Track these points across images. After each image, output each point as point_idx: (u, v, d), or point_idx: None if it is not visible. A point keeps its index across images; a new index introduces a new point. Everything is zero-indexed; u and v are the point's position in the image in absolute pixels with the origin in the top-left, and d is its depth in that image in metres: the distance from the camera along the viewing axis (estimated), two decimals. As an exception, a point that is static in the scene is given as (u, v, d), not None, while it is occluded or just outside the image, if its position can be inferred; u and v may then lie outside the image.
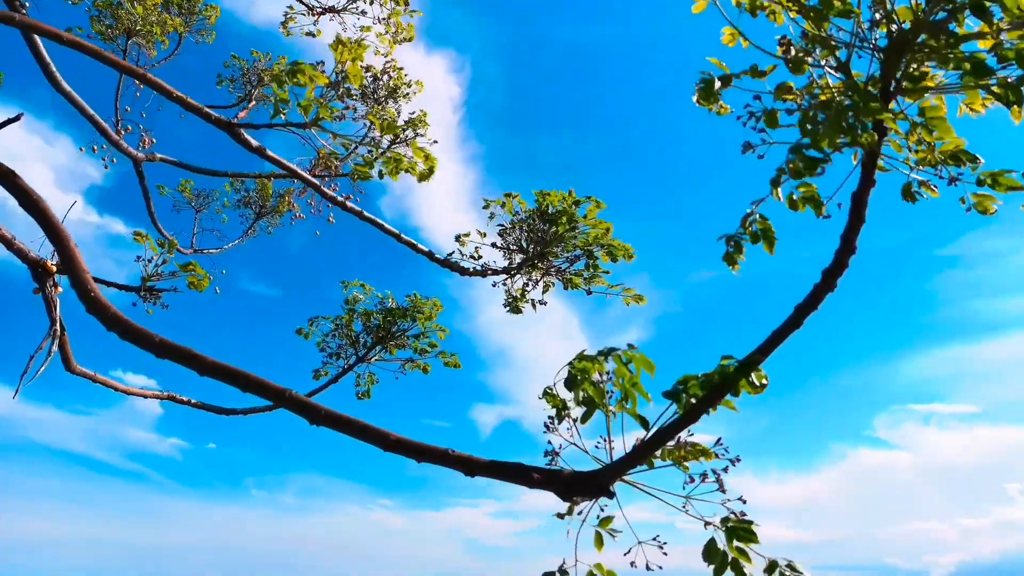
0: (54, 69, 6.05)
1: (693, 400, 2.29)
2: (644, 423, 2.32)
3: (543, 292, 4.76)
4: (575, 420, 2.60)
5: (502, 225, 4.63)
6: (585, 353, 2.43)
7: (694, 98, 2.60)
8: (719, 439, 2.44)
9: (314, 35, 5.87)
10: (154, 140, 7.86)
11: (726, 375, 2.23)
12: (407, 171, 3.39)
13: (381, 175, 3.43)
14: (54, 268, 4.04)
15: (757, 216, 2.68)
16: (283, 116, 3.23)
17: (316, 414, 2.09)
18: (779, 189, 2.61)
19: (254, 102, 4.28)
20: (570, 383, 2.50)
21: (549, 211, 4.35)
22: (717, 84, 2.63)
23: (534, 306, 4.80)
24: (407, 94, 4.80)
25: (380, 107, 4.05)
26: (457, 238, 4.62)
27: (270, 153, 3.63)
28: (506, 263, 4.73)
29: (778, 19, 2.74)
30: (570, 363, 2.49)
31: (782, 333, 2.26)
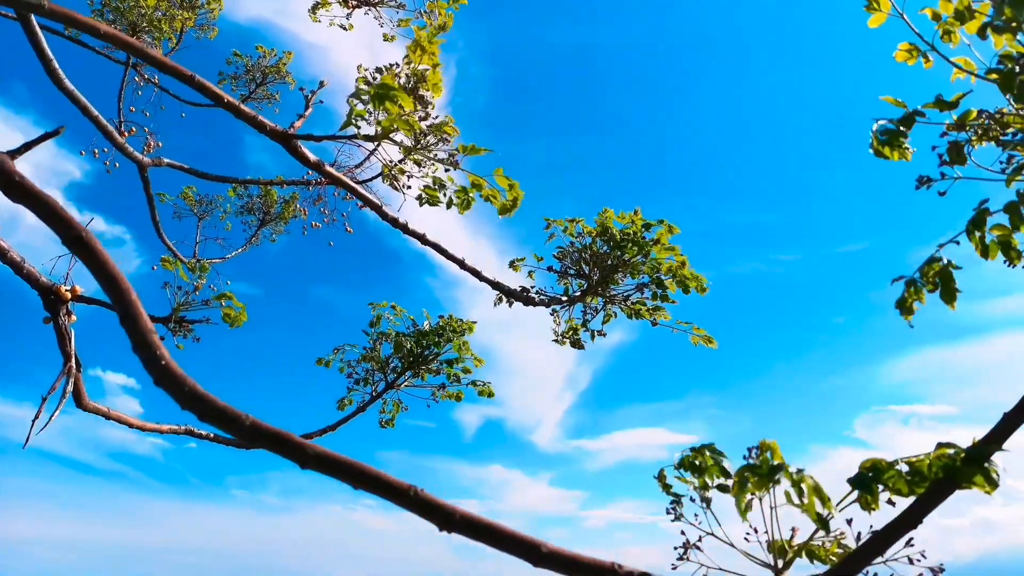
0: (56, 65, 5.55)
1: (887, 494, 1.90)
2: (824, 525, 1.89)
3: (603, 323, 4.35)
4: (705, 505, 2.20)
5: (561, 248, 4.21)
6: (709, 449, 2.05)
7: (871, 149, 2.20)
8: (911, 539, 2.03)
9: (345, 28, 5.43)
10: (160, 144, 7.35)
11: (952, 469, 1.81)
12: (488, 199, 2.95)
13: (450, 204, 2.99)
14: (69, 295, 3.56)
15: (945, 260, 2.28)
16: (356, 127, 2.79)
17: (450, 517, 1.65)
18: (977, 232, 2.21)
19: (311, 109, 3.83)
20: (692, 468, 2.12)
21: (614, 235, 3.94)
22: (901, 129, 2.21)
23: (592, 337, 4.39)
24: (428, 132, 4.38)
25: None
26: (511, 264, 4.19)
27: (328, 168, 3.18)
28: (561, 289, 4.31)
29: (953, 39, 2.35)
30: (693, 450, 2.13)
31: (1017, 416, 1.86)
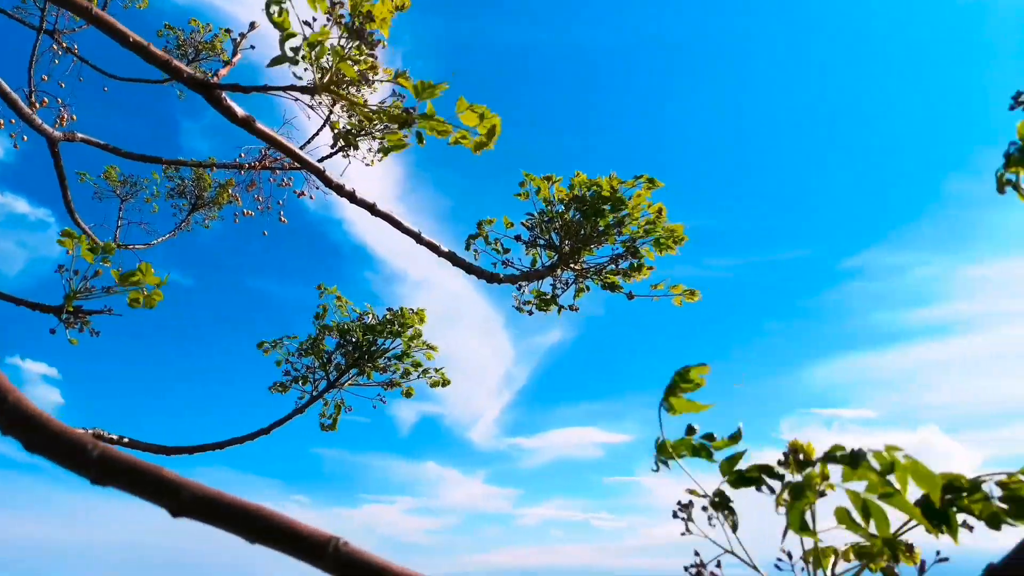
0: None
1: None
2: (893, 550, 1.48)
3: (575, 296, 3.96)
4: (728, 518, 1.75)
5: (530, 214, 3.80)
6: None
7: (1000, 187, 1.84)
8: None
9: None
10: (74, 117, 6.66)
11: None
12: (458, 142, 2.51)
13: (420, 138, 2.52)
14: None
15: None
16: (294, 67, 2.29)
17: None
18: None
19: (239, 55, 3.28)
20: (744, 480, 1.70)
21: (591, 199, 3.56)
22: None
23: (559, 312, 3.99)
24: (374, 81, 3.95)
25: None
26: (479, 225, 3.75)
27: (260, 126, 2.69)
28: (529, 259, 3.91)
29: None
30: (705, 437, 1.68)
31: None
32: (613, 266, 3.78)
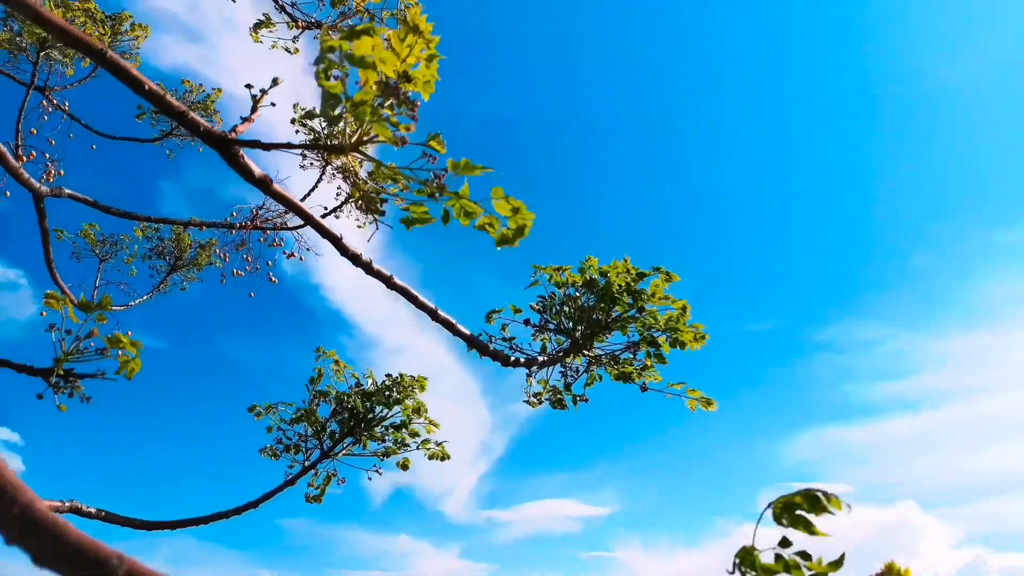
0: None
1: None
2: None
3: (586, 386, 3.80)
4: None
5: (541, 298, 3.67)
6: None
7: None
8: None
9: (291, 52, 4.87)
10: (62, 172, 6.50)
11: None
12: (483, 228, 2.35)
13: (446, 218, 2.35)
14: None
15: None
16: (326, 131, 2.15)
17: None
18: None
19: (259, 112, 3.17)
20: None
21: (605, 286, 3.45)
22: None
23: (575, 403, 3.83)
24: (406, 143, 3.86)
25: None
26: (488, 316, 3.63)
27: (278, 187, 2.54)
28: (538, 345, 3.76)
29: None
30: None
31: None
32: (629, 354, 3.65)
